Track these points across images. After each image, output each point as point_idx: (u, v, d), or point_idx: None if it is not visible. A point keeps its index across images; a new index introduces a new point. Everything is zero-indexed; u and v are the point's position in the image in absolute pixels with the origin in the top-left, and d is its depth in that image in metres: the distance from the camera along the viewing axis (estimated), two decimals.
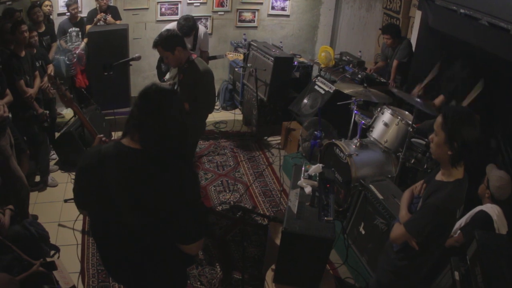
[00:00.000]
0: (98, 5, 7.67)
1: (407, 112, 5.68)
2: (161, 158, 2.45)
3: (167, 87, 2.69)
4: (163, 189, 2.42)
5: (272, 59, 7.41)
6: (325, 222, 3.66)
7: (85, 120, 4.15)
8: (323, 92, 7.09)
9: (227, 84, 9.27)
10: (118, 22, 7.88)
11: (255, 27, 9.50)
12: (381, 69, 7.62)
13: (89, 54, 7.51)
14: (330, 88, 6.99)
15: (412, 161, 5.22)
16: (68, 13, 7.57)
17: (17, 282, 3.34)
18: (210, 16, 9.03)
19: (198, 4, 8.87)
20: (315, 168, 4.19)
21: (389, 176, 5.28)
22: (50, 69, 6.41)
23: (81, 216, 5.53)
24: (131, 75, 7.99)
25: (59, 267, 4.09)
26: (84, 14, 7.84)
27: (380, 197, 4.60)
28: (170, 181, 2.43)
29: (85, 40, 7.46)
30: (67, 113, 8.25)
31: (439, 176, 3.07)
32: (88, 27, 7.58)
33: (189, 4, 8.79)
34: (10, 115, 5.15)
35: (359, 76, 6.94)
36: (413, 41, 7.08)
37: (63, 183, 6.33)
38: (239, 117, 8.76)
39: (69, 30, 7.43)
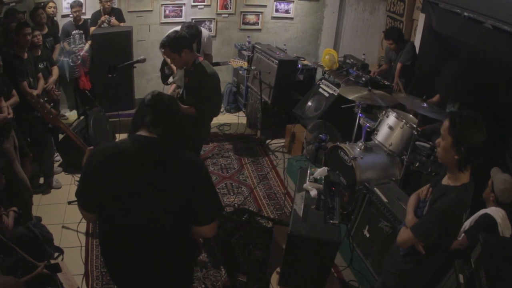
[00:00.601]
0: (102, 7, 7.68)
1: (411, 115, 5.67)
2: (175, 144, 2.71)
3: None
4: (183, 171, 2.63)
5: (277, 61, 7.41)
6: (330, 225, 3.65)
7: (73, 135, 4.15)
8: (327, 95, 7.09)
9: (231, 86, 9.29)
10: (122, 24, 7.89)
11: (259, 30, 9.50)
12: (385, 72, 7.61)
13: (93, 56, 7.51)
14: (334, 91, 6.98)
15: (416, 164, 5.22)
16: (72, 15, 7.59)
17: (23, 285, 3.33)
18: (214, 19, 9.03)
19: (202, 6, 8.86)
20: (320, 171, 4.19)
21: (393, 179, 5.28)
22: (55, 71, 6.41)
23: None
24: (135, 77, 7.98)
25: (63, 269, 4.10)
26: (88, 16, 7.85)
27: (385, 200, 4.60)
28: (187, 164, 2.68)
29: (89, 42, 7.46)
30: (71, 115, 8.25)
31: (445, 181, 3.07)
32: (92, 29, 7.59)
33: (193, 6, 8.78)
34: (14, 116, 5.15)
35: (363, 79, 6.92)
36: (417, 44, 7.08)
37: (67, 185, 6.33)
38: (243, 119, 8.75)
39: (73, 32, 7.43)
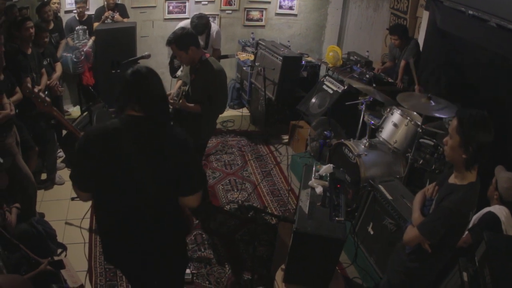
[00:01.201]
0: (105, 3, 7.68)
1: (415, 113, 5.66)
2: (162, 120, 2.87)
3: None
4: (171, 145, 2.81)
5: (281, 58, 7.40)
6: (336, 222, 3.65)
7: (66, 122, 4.25)
8: (331, 91, 7.09)
9: (234, 82, 9.29)
10: (125, 20, 7.88)
11: (263, 26, 9.49)
12: (388, 69, 7.60)
13: (96, 52, 7.51)
14: (338, 87, 6.98)
15: (420, 162, 5.22)
16: (76, 11, 7.58)
17: (30, 283, 3.34)
18: (218, 15, 9.03)
19: (206, 2, 8.87)
20: (326, 169, 4.19)
21: (398, 176, 5.28)
22: (59, 67, 6.41)
23: (88, 215, 5.54)
24: None
25: (67, 266, 4.10)
26: (91, 11, 7.84)
27: (389, 197, 4.59)
28: (175, 138, 2.85)
29: (93, 38, 7.46)
30: (74, 110, 8.26)
31: (452, 179, 3.08)
32: (95, 24, 7.59)
33: (197, 2, 8.79)
34: (17, 111, 5.15)
35: (367, 76, 6.92)
36: (420, 41, 7.06)
37: (70, 181, 6.30)
38: (247, 116, 8.76)
39: (76, 28, 7.43)
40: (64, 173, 6.47)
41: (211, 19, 8.40)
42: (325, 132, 6.32)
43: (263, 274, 4.83)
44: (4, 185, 4.56)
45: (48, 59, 6.19)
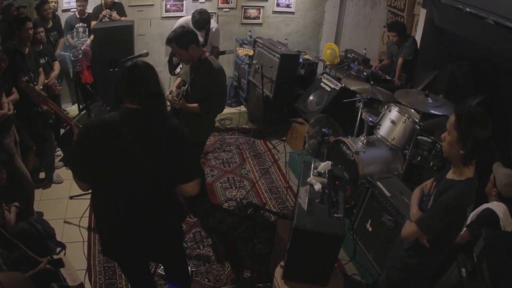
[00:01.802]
0: (103, 1, 7.67)
1: (413, 110, 5.67)
2: (159, 112, 2.96)
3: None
4: (167, 135, 2.90)
5: (279, 56, 7.41)
6: (335, 219, 3.66)
7: (63, 115, 4.36)
8: (329, 89, 7.10)
9: (232, 80, 9.27)
10: (123, 18, 7.88)
11: (260, 24, 9.47)
12: (386, 66, 7.61)
13: (94, 50, 7.50)
14: (336, 85, 7.00)
15: (418, 159, 5.23)
16: (74, 9, 7.58)
17: (31, 281, 3.34)
18: (215, 13, 9.00)
19: (203, 0, 8.83)
20: (324, 165, 4.20)
21: (396, 173, 5.28)
22: (57, 66, 6.41)
23: (87, 213, 5.56)
24: None
25: (66, 265, 4.10)
26: (89, 10, 7.82)
27: (388, 194, 4.60)
28: (170, 128, 2.94)
29: (91, 37, 7.45)
30: (72, 109, 8.25)
31: (450, 175, 3.09)
32: (93, 23, 7.58)
33: (194, 0, 8.76)
34: (15, 112, 5.15)
35: (365, 73, 6.92)
36: (418, 39, 7.07)
37: (68, 179, 6.31)
38: (245, 113, 8.74)
39: (76, 26, 7.42)
40: (62, 172, 6.46)
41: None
42: (323, 130, 6.33)
43: (262, 271, 4.84)
44: (3, 181, 4.56)
45: (46, 58, 6.19)
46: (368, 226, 4.90)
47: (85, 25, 7.51)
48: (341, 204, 3.87)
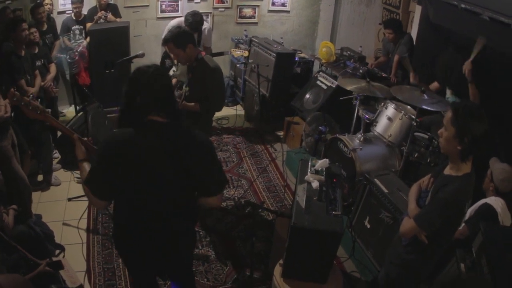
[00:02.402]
0: (98, 3, 7.67)
1: (409, 107, 5.68)
2: (184, 125, 2.92)
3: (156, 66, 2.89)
4: (194, 148, 2.83)
5: (274, 55, 7.43)
6: (333, 216, 3.67)
7: (62, 126, 4.00)
8: (325, 87, 7.11)
9: (228, 80, 9.26)
10: (118, 19, 7.88)
11: (256, 23, 9.49)
12: (382, 64, 7.62)
13: (90, 52, 7.50)
14: (332, 83, 7.02)
15: (415, 155, 5.24)
16: (70, 11, 7.57)
17: (31, 284, 3.34)
18: (210, 13, 9.02)
19: (199, 0, 8.85)
20: (321, 163, 4.21)
21: (393, 170, 5.30)
22: (53, 68, 6.40)
23: (85, 215, 5.56)
24: None
25: (65, 267, 4.11)
26: (84, 12, 7.82)
27: (385, 191, 4.61)
28: (197, 141, 2.88)
29: (88, 39, 7.45)
30: (69, 111, 8.25)
31: (447, 171, 3.10)
32: (88, 25, 7.57)
33: (189, 0, 8.77)
34: (12, 115, 5.14)
35: (361, 71, 6.93)
36: (413, 36, 7.07)
37: (66, 181, 6.32)
38: (241, 112, 8.74)
39: (73, 28, 7.42)
40: (60, 174, 6.46)
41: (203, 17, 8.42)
42: (320, 127, 6.34)
43: (261, 270, 4.85)
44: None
45: (42, 60, 6.19)
46: (366, 223, 4.91)
47: (81, 27, 7.50)
48: (339, 201, 3.88)
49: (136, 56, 5.74)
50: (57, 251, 4.90)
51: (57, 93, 6.78)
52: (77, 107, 7.63)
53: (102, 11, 7.58)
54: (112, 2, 8.01)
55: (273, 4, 9.40)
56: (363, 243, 4.97)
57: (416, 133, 5.25)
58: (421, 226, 3.05)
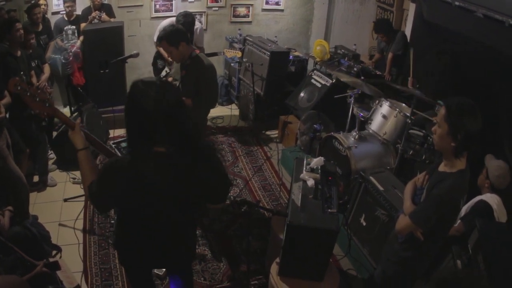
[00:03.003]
0: (92, 3, 7.65)
1: (404, 104, 5.70)
2: (186, 151, 2.63)
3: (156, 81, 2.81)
4: (200, 174, 2.68)
5: (269, 53, 7.43)
6: (329, 214, 3.68)
7: (61, 113, 3.89)
8: (319, 85, 7.13)
9: (222, 79, 9.26)
10: (112, 19, 7.86)
11: (250, 22, 9.47)
12: (379, 61, 7.65)
13: (84, 52, 7.48)
14: (326, 81, 7.03)
15: (410, 153, 5.26)
16: (63, 11, 7.56)
17: (28, 285, 3.34)
18: (204, 12, 9.01)
19: (193, 0, 8.84)
20: (317, 161, 4.22)
21: (388, 167, 5.31)
22: (47, 69, 6.39)
23: (81, 215, 5.55)
24: (127, 73, 7.94)
25: (62, 267, 4.10)
26: (78, 12, 7.81)
27: (381, 188, 4.62)
28: (202, 166, 2.69)
29: (81, 38, 7.43)
30: (64, 112, 8.20)
31: (442, 167, 3.11)
32: (82, 25, 7.56)
33: (183, 0, 8.77)
34: (7, 115, 5.13)
35: (355, 69, 6.95)
36: (407, 34, 7.09)
37: (62, 182, 6.31)
38: (236, 112, 8.73)
39: (65, 28, 7.39)
40: (56, 175, 6.45)
41: (197, 17, 8.42)
42: (315, 126, 6.34)
43: (258, 268, 4.85)
44: None
45: (36, 61, 6.16)
46: (362, 220, 4.92)
47: (74, 27, 7.46)
48: (335, 199, 3.89)
49: (131, 56, 5.75)
50: (54, 252, 4.88)
51: (52, 94, 6.76)
52: (72, 108, 7.61)
53: (96, 11, 7.56)
54: (106, 2, 7.99)
55: (267, 3, 9.38)
56: (359, 241, 4.98)
57: (411, 131, 5.27)
58: (416, 223, 3.06)
